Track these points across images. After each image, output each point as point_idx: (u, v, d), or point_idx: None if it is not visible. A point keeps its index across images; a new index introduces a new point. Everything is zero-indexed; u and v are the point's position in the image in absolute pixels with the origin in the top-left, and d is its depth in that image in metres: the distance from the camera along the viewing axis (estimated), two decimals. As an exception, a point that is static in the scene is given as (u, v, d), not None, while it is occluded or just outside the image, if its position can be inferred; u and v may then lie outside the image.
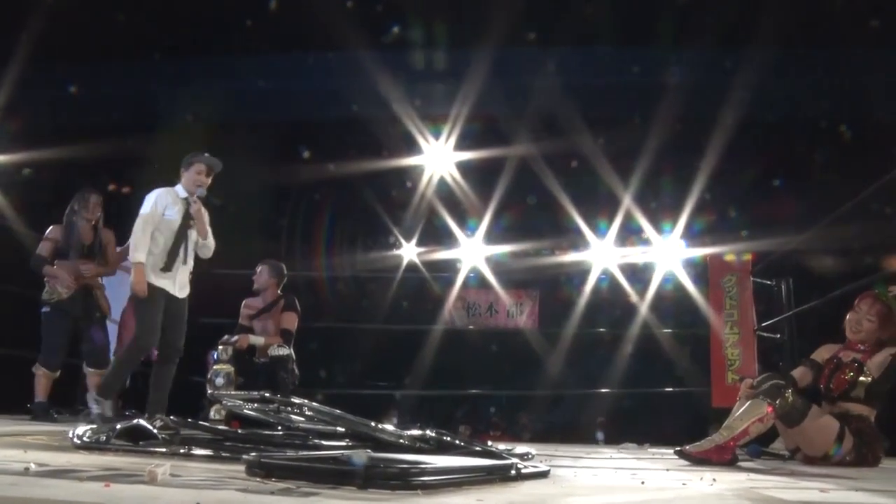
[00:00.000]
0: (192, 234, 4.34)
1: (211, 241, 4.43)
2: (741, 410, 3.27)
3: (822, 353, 3.73)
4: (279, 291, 5.27)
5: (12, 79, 5.35)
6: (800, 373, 3.64)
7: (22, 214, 5.83)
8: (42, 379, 4.78)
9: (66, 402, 5.41)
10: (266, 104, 6.64)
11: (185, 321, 4.39)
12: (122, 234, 6.02)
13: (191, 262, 4.38)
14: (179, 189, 4.35)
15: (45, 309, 4.86)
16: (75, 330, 4.94)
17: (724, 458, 3.16)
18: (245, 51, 6.16)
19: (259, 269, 5.23)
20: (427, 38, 6.02)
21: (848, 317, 3.67)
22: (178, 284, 4.31)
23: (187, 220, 4.29)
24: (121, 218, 6.63)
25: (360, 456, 1.63)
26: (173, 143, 6.57)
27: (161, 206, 4.27)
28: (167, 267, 4.23)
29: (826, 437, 3.28)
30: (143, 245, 4.19)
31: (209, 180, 4.34)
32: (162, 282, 4.24)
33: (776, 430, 3.67)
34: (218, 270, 6.49)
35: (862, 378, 3.42)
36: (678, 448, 3.51)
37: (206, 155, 4.37)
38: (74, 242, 4.94)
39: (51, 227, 5.03)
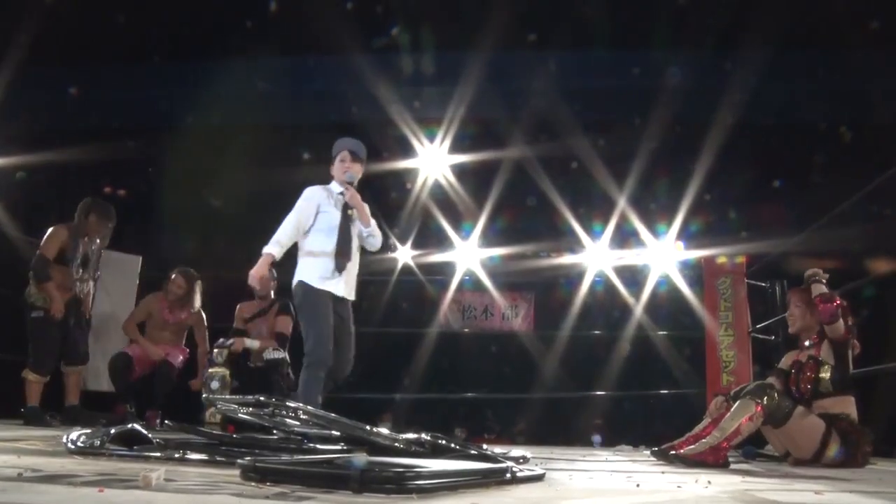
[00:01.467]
0: (355, 229, 3.94)
1: (376, 230, 3.99)
2: (731, 411, 3.31)
3: (787, 361, 3.82)
4: (272, 295, 5.28)
5: (5, 80, 5.33)
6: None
7: (14, 217, 5.81)
8: (33, 384, 4.72)
9: (59, 407, 5.39)
10: (262, 107, 6.63)
11: (352, 327, 3.95)
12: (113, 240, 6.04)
13: (357, 259, 3.96)
14: (333, 185, 4.00)
15: (35, 314, 4.77)
16: (63, 333, 4.90)
17: (718, 460, 3.18)
18: (243, 54, 6.15)
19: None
20: (422, 41, 6.02)
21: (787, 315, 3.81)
22: (347, 285, 3.88)
23: (346, 211, 3.89)
24: (119, 222, 6.62)
25: (361, 459, 1.63)
26: (170, 147, 6.57)
27: (313, 201, 3.90)
28: (338, 267, 3.82)
29: (812, 439, 3.31)
30: (280, 238, 3.82)
31: (357, 165, 3.96)
32: (328, 284, 3.80)
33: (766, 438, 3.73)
34: (212, 274, 6.47)
35: (822, 374, 3.49)
36: (655, 448, 3.58)
37: (346, 139, 4.02)
38: (81, 254, 4.89)
39: (55, 229, 4.86)
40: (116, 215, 5.14)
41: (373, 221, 3.98)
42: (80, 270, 4.92)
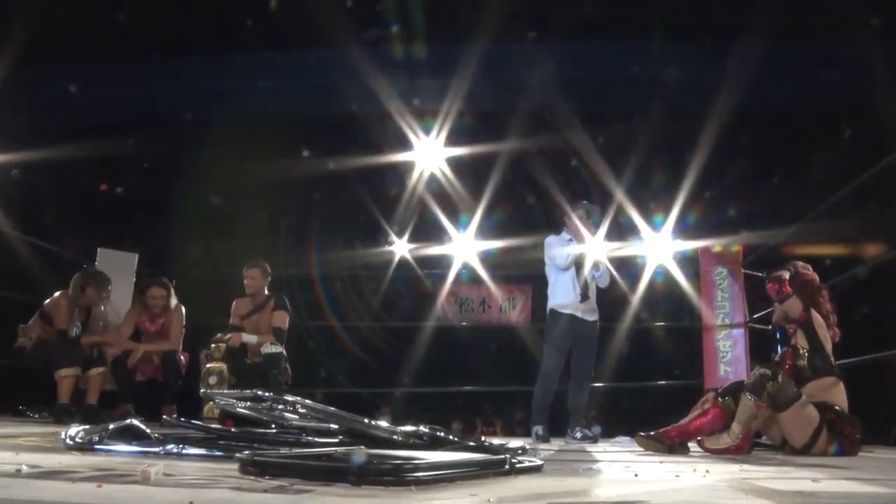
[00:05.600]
0: (585, 269, 5.02)
1: (605, 272, 5.11)
2: (738, 411, 3.41)
3: (782, 353, 3.87)
4: (267, 291, 5.27)
5: (1, 77, 5.30)
6: None
7: (11, 216, 5.80)
8: (64, 380, 4.85)
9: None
10: (260, 102, 6.61)
11: (595, 343, 5.10)
12: (105, 237, 6.05)
13: (593, 288, 5.11)
14: (564, 234, 5.15)
15: (27, 347, 5.03)
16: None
17: (741, 451, 3.36)
18: (240, 49, 6.13)
19: (249, 272, 5.23)
20: (418, 33, 6.00)
21: None
22: (584, 310, 4.99)
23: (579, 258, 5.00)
24: (116, 220, 6.61)
25: (360, 455, 1.63)
26: (168, 143, 6.55)
27: (559, 248, 5.06)
28: (579, 298, 4.97)
29: (805, 430, 3.34)
30: (566, 251, 5.04)
31: (590, 223, 5.10)
32: (569, 310, 4.98)
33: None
34: (208, 270, 6.48)
35: (799, 361, 3.54)
36: (642, 433, 3.64)
37: (585, 202, 5.20)
38: (78, 321, 5.18)
39: (55, 298, 5.14)
40: (112, 217, 5.28)
41: (601, 265, 5.09)
42: (79, 330, 5.17)
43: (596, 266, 5.05)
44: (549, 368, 4.94)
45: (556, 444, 4.55)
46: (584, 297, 4.99)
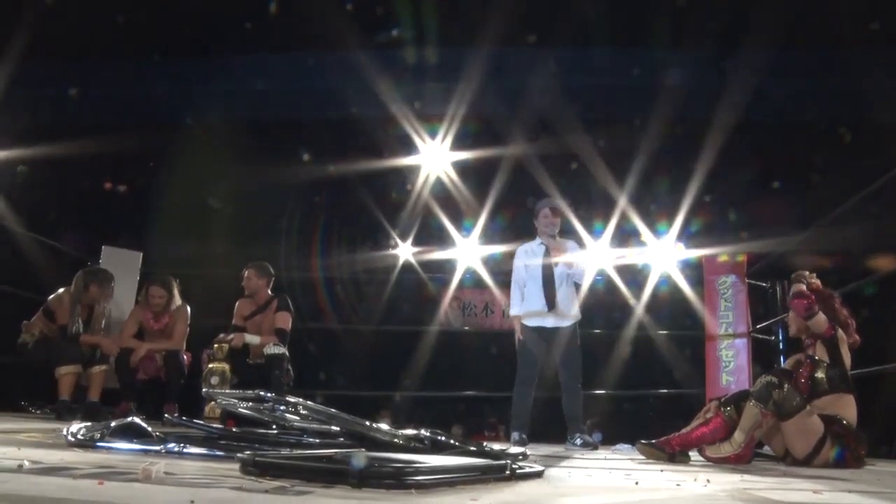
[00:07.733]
0: (558, 270, 4.82)
1: (580, 268, 4.89)
2: (742, 418, 3.39)
3: (790, 362, 3.86)
4: (270, 292, 5.27)
5: (6, 75, 5.33)
6: None
7: (17, 213, 5.82)
8: (65, 377, 4.86)
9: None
10: (261, 104, 6.63)
11: (575, 347, 4.85)
12: (103, 235, 6.06)
13: (566, 291, 4.85)
14: (537, 239, 4.98)
15: (29, 343, 5.01)
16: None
17: (742, 461, 3.35)
18: (242, 51, 6.15)
19: (246, 273, 5.24)
20: (423, 38, 6.02)
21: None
22: (555, 318, 4.82)
23: (548, 259, 4.84)
24: (119, 218, 6.61)
25: (360, 458, 1.63)
26: (170, 143, 6.57)
27: (521, 262, 4.97)
28: (546, 307, 4.78)
29: (808, 441, 3.32)
30: (512, 302, 4.97)
31: (558, 219, 4.91)
32: (536, 321, 4.84)
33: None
34: (211, 271, 6.48)
35: (817, 374, 3.52)
36: (643, 441, 3.63)
37: (548, 199, 5.04)
38: (81, 319, 5.15)
39: (57, 296, 5.13)
40: (117, 215, 5.26)
41: (575, 261, 4.85)
42: (80, 327, 5.14)
43: (569, 265, 4.85)
44: (523, 378, 4.90)
45: (556, 450, 4.54)
46: (552, 305, 4.80)
